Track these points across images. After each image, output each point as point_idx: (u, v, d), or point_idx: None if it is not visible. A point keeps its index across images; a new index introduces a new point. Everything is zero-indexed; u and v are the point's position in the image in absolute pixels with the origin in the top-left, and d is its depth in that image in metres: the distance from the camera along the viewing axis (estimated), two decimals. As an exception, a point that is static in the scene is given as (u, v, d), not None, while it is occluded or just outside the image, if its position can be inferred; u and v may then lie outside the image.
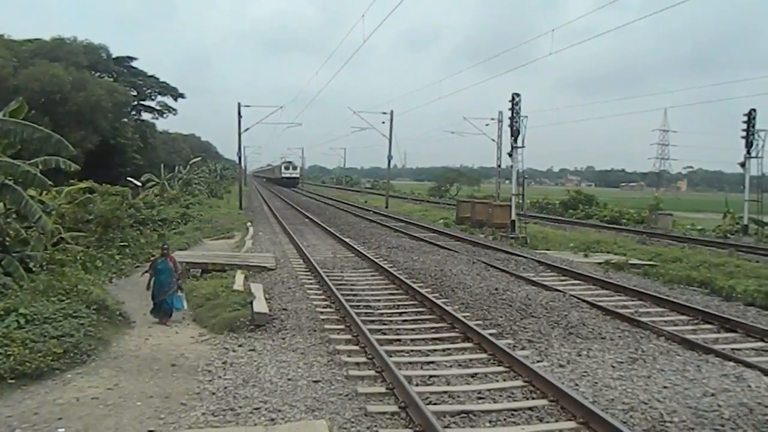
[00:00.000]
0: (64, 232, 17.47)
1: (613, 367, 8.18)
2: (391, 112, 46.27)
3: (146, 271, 11.48)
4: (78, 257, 15.41)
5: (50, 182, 14.44)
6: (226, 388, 7.26)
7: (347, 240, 21.96)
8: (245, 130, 41.83)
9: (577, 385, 7.43)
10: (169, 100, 72.44)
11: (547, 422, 6.40)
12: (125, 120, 57.05)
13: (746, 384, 7.44)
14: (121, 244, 19.11)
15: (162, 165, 48.32)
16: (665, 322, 10.77)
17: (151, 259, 12.23)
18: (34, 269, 13.15)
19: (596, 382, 7.53)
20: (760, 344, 9.49)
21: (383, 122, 46.56)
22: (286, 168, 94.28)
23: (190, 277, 14.42)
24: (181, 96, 73.16)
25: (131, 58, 65.72)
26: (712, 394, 7.09)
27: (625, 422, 6.23)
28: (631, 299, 12.67)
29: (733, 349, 9.06)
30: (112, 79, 57.50)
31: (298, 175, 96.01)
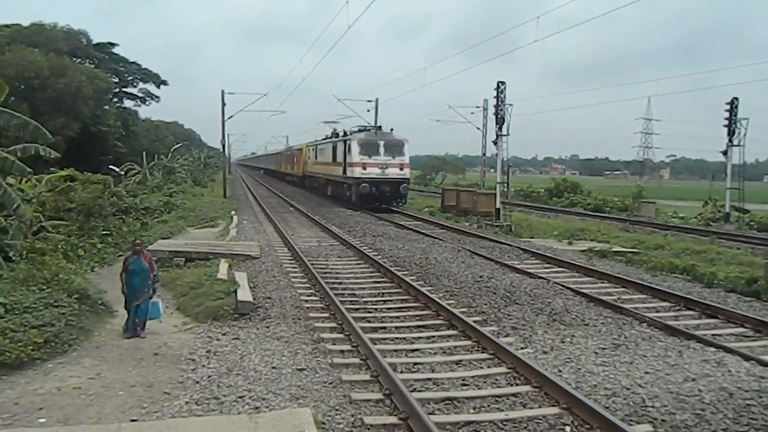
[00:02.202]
0: (44, 221, 17.22)
1: (596, 353, 8.25)
2: (376, 99, 45.79)
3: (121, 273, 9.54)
4: (59, 246, 15.22)
5: (30, 170, 14.20)
6: (209, 376, 7.22)
7: (332, 228, 21.89)
8: (229, 118, 41.31)
9: (560, 371, 7.49)
10: (151, 87, 71.48)
11: (531, 408, 6.44)
12: (107, 107, 56.25)
13: (727, 369, 7.55)
14: (104, 232, 18.89)
15: (144, 153, 47.75)
16: (647, 308, 10.89)
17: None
18: (13, 258, 12.95)
19: (579, 368, 7.59)
20: (741, 330, 9.62)
21: (368, 110, 45.82)
22: (369, 150, 30.75)
23: (174, 265, 14.29)
24: (164, 83, 72.25)
25: (112, 44, 64.64)
26: (694, 379, 7.18)
27: (607, 407, 6.28)
28: (614, 286, 12.78)
29: (714, 335, 9.19)
30: (93, 66, 56.58)
31: (406, 176, 31.94)
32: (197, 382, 7.04)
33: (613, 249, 18.07)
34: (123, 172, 40.62)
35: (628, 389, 6.86)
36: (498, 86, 25.50)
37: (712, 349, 8.41)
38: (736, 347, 8.42)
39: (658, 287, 12.29)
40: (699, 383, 7.04)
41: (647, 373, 7.44)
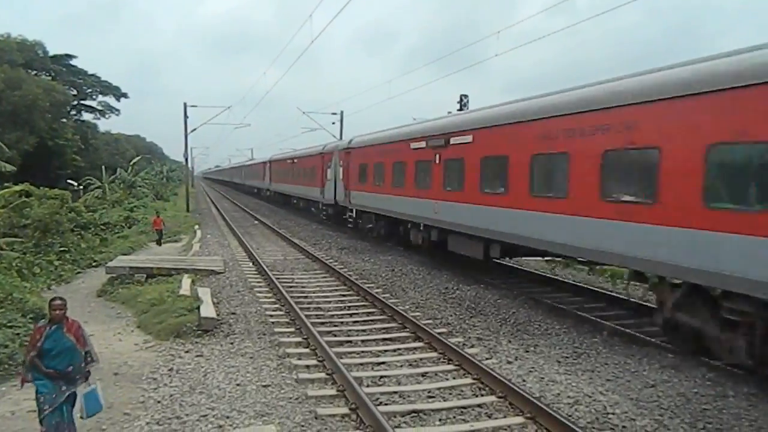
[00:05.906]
0: (-3, 238, 16.70)
1: (559, 362, 8.39)
2: (341, 112, 45.85)
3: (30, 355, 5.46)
4: (13, 264, 14.77)
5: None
6: (172, 395, 7.07)
7: (297, 241, 21.76)
8: (192, 131, 40.86)
9: (524, 380, 7.58)
10: (111, 100, 70.28)
11: (496, 418, 6.50)
12: (64, 120, 54.85)
13: (683, 375, 7.77)
14: (61, 249, 18.41)
15: (104, 167, 46.77)
16: (607, 316, 11.10)
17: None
18: (-36, 277, 12.51)
19: (543, 377, 7.70)
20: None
21: (333, 123, 46.05)
22: None
23: (135, 281, 13.99)
24: (124, 96, 71.11)
25: (70, 56, 63.25)
26: (652, 386, 7.36)
27: (570, 415, 6.39)
28: (575, 296, 13.00)
29: (671, 341, 9.41)
30: (50, 78, 55.25)
31: None
32: (159, 402, 6.89)
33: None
34: (82, 187, 39.73)
35: (590, 397, 7.00)
36: (461, 99, 25.89)
37: (670, 355, 8.64)
38: (692, 353, 8.64)
39: (617, 295, 12.50)
40: (658, 389, 7.24)
41: (608, 380, 7.60)
